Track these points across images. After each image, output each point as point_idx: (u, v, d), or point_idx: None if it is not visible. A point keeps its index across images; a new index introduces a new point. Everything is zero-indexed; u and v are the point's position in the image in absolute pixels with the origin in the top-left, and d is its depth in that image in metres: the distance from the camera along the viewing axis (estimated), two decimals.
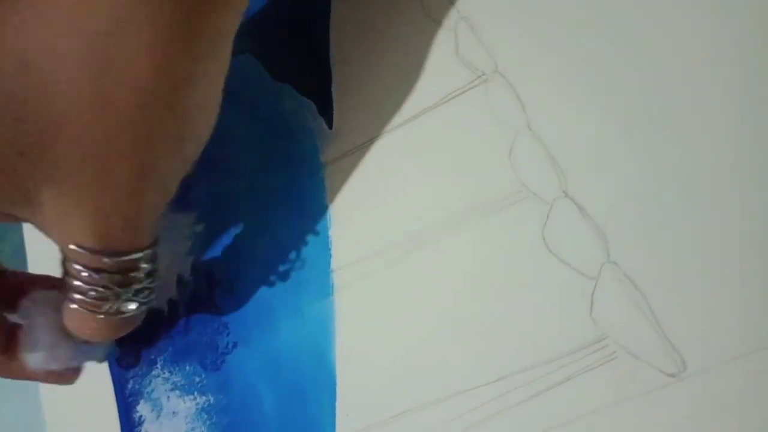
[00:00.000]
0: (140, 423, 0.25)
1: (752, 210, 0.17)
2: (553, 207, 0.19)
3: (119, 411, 0.25)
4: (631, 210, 0.18)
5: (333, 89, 0.24)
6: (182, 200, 0.26)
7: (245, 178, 0.25)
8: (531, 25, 0.21)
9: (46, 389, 0.27)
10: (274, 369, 0.23)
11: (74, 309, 0.19)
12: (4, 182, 0.17)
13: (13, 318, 0.21)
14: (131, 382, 0.25)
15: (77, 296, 0.19)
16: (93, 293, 0.19)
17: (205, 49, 0.17)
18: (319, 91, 0.24)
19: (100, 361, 0.24)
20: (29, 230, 0.31)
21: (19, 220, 0.19)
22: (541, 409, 0.18)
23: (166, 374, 0.24)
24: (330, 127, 0.24)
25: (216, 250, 0.25)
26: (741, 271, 0.17)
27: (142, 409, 0.25)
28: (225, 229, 0.25)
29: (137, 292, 0.19)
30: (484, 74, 0.21)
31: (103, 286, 0.19)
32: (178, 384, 0.24)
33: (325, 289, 0.22)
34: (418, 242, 0.21)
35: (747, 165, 0.17)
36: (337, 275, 0.22)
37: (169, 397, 0.24)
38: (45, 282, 0.22)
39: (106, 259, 0.18)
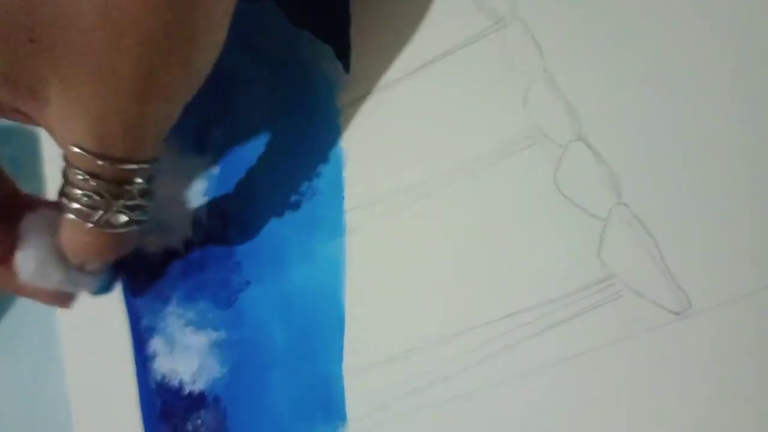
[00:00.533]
0: (154, 357, 0.25)
1: (762, 155, 0.17)
2: (566, 150, 0.20)
3: (134, 345, 0.26)
4: (643, 153, 0.18)
5: (351, 34, 0.24)
6: (199, 143, 0.26)
7: (262, 122, 0.25)
8: None
9: (64, 325, 0.28)
10: (284, 306, 0.23)
11: (68, 219, 0.20)
12: (14, 69, 0.17)
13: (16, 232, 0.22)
14: (146, 318, 0.26)
15: (72, 204, 0.20)
16: (86, 199, 0.19)
17: None
18: (337, 35, 0.24)
19: (91, 292, 0.24)
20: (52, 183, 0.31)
21: (26, 118, 0.19)
22: (548, 344, 0.19)
23: (181, 311, 0.25)
24: (347, 71, 0.24)
25: (231, 192, 0.25)
26: (748, 214, 0.17)
27: (156, 343, 0.25)
28: (241, 172, 0.25)
29: (129, 207, 0.20)
30: (502, 19, 0.21)
31: (96, 193, 0.19)
32: (192, 320, 0.25)
33: (337, 229, 0.23)
34: (431, 184, 0.21)
35: (755, 112, 0.17)
36: (349, 216, 0.23)
37: (182, 332, 0.25)
38: (54, 204, 0.23)
39: (101, 162, 0.19)
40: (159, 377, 0.25)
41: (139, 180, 0.20)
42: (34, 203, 0.23)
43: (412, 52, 0.23)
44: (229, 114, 0.26)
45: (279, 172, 0.24)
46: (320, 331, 0.22)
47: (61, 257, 0.22)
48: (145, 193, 0.21)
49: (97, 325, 0.27)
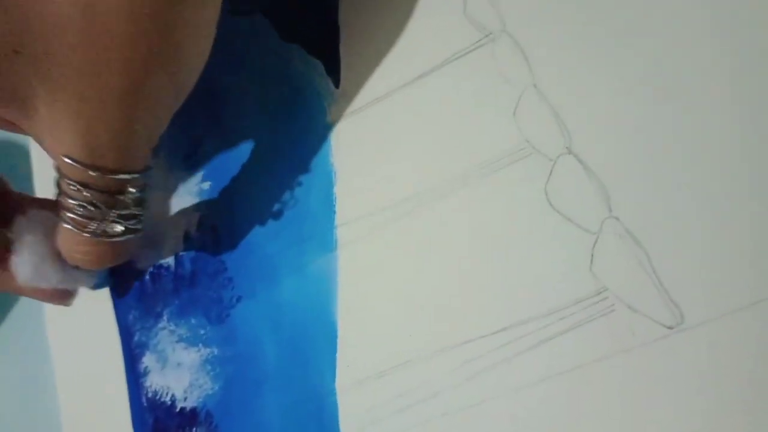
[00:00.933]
0: (145, 374, 0.25)
1: (754, 166, 0.17)
2: (557, 163, 0.19)
3: (125, 362, 0.26)
4: (633, 166, 0.18)
5: (341, 49, 0.24)
6: (190, 158, 0.26)
7: (252, 137, 0.25)
8: None
9: (55, 341, 0.28)
10: (276, 322, 0.23)
11: (64, 228, 0.20)
12: (1, 80, 0.17)
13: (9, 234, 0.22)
14: (138, 334, 0.26)
15: (67, 214, 0.20)
16: (80, 210, 0.19)
17: None
18: (327, 50, 0.24)
19: (90, 288, 0.24)
20: (38, 174, 0.31)
21: (16, 128, 0.19)
22: (540, 359, 0.18)
23: (172, 327, 0.25)
24: (337, 86, 0.24)
25: (222, 207, 0.25)
26: (741, 226, 0.17)
27: (148, 360, 0.25)
28: (231, 187, 0.25)
29: (124, 217, 0.20)
30: (491, 33, 0.21)
31: (90, 203, 0.19)
32: (184, 336, 0.25)
33: (328, 244, 0.22)
34: (422, 199, 0.21)
35: (748, 123, 0.17)
36: (340, 231, 0.22)
37: (174, 348, 0.25)
38: (45, 203, 0.23)
39: (93, 173, 0.19)
40: (151, 394, 0.25)
41: (132, 190, 0.20)
42: (27, 203, 0.23)
43: (402, 67, 0.23)
44: (220, 129, 0.26)
45: (270, 188, 0.24)
46: (313, 347, 0.22)
47: (58, 257, 0.22)
48: (139, 203, 0.21)
49: (88, 341, 0.27)
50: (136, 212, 0.21)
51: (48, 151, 0.19)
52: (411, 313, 0.21)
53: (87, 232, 0.20)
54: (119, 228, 0.20)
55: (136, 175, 0.20)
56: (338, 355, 0.22)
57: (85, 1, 0.16)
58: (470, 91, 0.21)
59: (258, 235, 0.24)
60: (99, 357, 0.26)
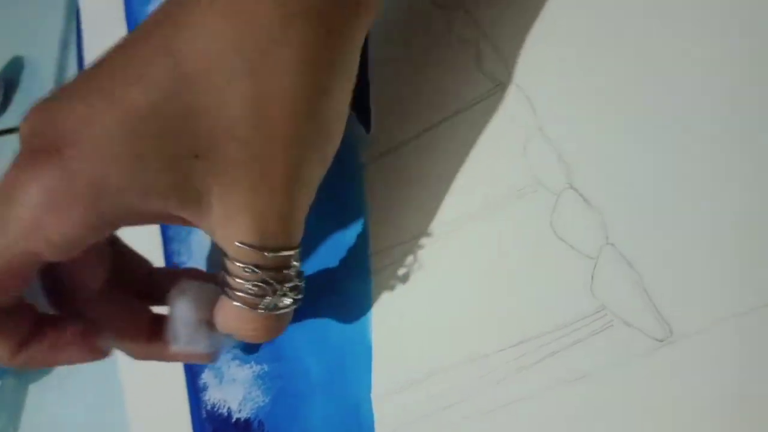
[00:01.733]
0: (204, 389, 0.28)
1: (734, 200, 0.20)
2: (560, 197, 0.22)
3: (186, 378, 0.29)
4: (627, 200, 0.21)
5: (371, 100, 0.27)
6: None
7: None
8: (543, 41, 0.24)
9: (124, 360, 0.31)
10: (319, 342, 0.26)
11: (235, 307, 0.21)
12: (181, 183, 0.19)
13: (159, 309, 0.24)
14: None
15: (239, 293, 0.21)
16: (254, 289, 0.21)
17: (342, 62, 0.20)
18: (358, 102, 0.28)
19: (233, 346, 0.27)
20: None
21: (187, 223, 0.21)
22: (549, 369, 0.21)
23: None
24: (368, 132, 0.27)
25: None
26: (721, 255, 0.19)
27: (207, 376, 0.29)
28: None
29: (291, 289, 0.22)
30: (501, 83, 0.24)
31: (263, 281, 0.21)
32: (238, 355, 0.28)
33: (363, 271, 0.26)
34: (444, 229, 0.24)
35: (733, 169, 0.20)
36: (373, 259, 0.26)
37: (229, 366, 0.28)
38: (189, 274, 0.25)
39: (266, 254, 0.20)
40: (209, 407, 0.28)
41: (295, 263, 0.22)
42: (173, 276, 0.24)
43: (425, 114, 0.26)
44: None
45: (310, 223, 0.27)
46: (350, 361, 0.25)
47: (207, 325, 0.23)
48: (300, 274, 0.22)
49: (153, 363, 0.30)
50: (298, 283, 0.22)
51: (219, 240, 0.21)
52: (436, 329, 0.24)
53: (261, 308, 0.21)
54: (288, 300, 0.22)
55: (297, 250, 0.22)
56: (373, 368, 0.25)
57: (253, 106, 0.19)
58: (485, 134, 0.25)
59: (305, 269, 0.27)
60: (163, 374, 0.30)
